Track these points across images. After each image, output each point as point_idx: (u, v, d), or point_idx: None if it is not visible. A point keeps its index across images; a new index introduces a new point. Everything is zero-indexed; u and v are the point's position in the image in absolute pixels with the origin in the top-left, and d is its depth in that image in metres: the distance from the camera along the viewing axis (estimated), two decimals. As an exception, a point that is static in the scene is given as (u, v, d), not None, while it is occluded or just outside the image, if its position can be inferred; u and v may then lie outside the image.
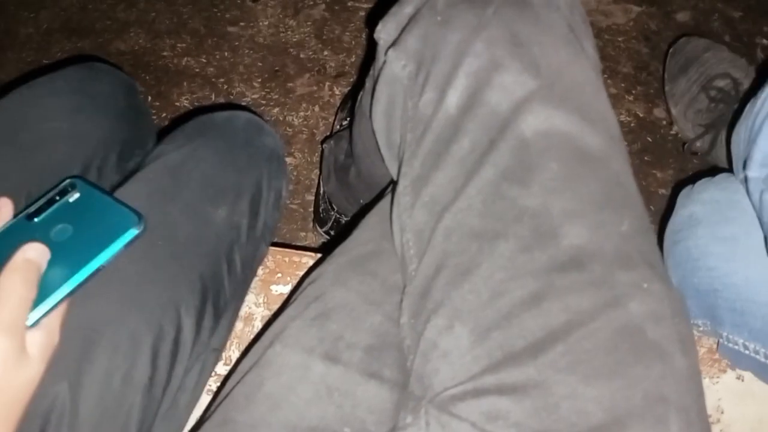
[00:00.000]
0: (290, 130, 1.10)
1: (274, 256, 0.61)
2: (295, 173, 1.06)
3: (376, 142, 0.48)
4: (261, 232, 0.53)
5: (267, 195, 0.53)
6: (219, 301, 0.48)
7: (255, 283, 0.60)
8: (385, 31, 0.45)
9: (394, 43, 0.44)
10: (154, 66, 1.16)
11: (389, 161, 0.47)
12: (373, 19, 0.48)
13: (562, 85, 0.39)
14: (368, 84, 0.51)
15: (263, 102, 1.13)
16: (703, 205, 0.50)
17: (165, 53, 1.16)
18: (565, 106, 0.38)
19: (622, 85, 1.06)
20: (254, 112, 0.61)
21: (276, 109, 1.12)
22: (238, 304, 0.53)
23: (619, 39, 1.11)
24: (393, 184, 0.45)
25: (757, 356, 0.48)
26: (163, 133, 0.57)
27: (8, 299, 0.33)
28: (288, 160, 1.08)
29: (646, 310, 0.34)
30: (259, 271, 0.60)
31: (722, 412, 0.54)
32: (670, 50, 1.03)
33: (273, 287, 0.60)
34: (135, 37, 1.18)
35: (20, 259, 0.34)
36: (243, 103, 1.11)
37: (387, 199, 0.48)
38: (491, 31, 0.39)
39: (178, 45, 1.17)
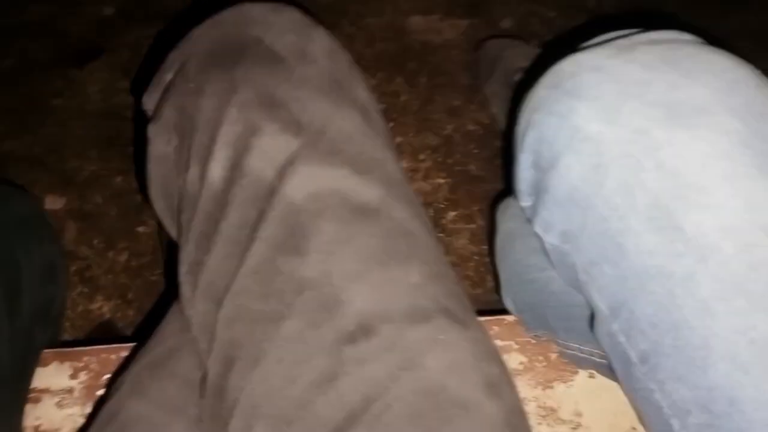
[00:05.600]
0: (138, 197, 1.03)
1: (98, 357, 0.55)
2: (150, 242, 1.00)
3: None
4: (31, 316, 0.47)
5: (29, 269, 0.47)
6: (14, 397, 0.42)
7: (79, 392, 0.53)
8: (150, 102, 0.42)
9: (153, 117, 0.40)
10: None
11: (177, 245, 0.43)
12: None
13: (327, 139, 0.36)
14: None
15: (105, 172, 1.05)
16: (516, 219, 0.50)
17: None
18: (332, 161, 0.36)
19: (464, 95, 1.09)
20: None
21: (119, 178, 1.04)
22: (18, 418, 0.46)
23: (453, 52, 1.14)
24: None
25: (593, 357, 0.49)
26: None
27: None
28: (140, 229, 1.01)
29: (445, 363, 0.32)
30: (83, 377, 0.54)
31: (581, 415, 0.54)
32: (477, 57, 1.07)
33: (100, 392, 0.54)
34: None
35: None
36: (79, 177, 1.03)
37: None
38: (244, 94, 0.37)
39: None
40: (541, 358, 0.56)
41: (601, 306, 0.35)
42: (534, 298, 0.50)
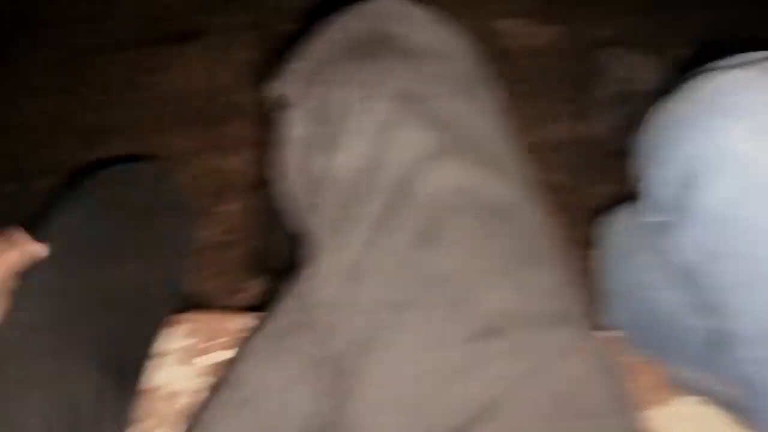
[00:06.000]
0: (227, 176, 1.07)
1: (208, 323, 0.57)
2: (234, 222, 1.03)
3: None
4: (172, 288, 0.50)
5: (175, 248, 0.51)
6: (139, 359, 0.46)
7: (186, 355, 0.56)
8: (281, 89, 0.44)
9: (291, 103, 0.42)
10: (77, 126, 1.11)
11: (307, 225, 0.44)
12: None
13: (465, 136, 0.37)
14: (277, 142, 0.49)
15: (199, 149, 1.09)
16: (626, 234, 0.49)
17: (88, 112, 1.12)
18: (471, 159, 0.36)
19: (554, 103, 1.07)
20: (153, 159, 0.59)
21: (211, 156, 1.08)
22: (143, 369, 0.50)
23: (546, 59, 1.13)
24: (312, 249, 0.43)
25: (705, 383, 0.47)
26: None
27: None
28: (225, 208, 1.04)
29: (575, 372, 0.33)
30: (183, 342, 0.57)
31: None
32: (586, 63, 1.06)
33: (200, 358, 0.56)
34: (58, 99, 1.13)
35: None
36: (178, 152, 1.08)
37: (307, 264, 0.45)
38: (387, 86, 0.38)
39: (101, 100, 1.13)
40: (640, 378, 0.55)
41: (745, 331, 0.34)
42: (644, 317, 0.49)
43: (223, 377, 0.42)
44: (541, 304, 0.34)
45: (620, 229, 0.53)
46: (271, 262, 0.93)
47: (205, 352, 0.56)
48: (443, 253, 0.34)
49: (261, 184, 1.00)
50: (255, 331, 0.44)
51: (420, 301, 0.34)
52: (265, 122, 1.15)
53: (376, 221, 0.36)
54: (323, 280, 0.38)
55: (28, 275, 0.43)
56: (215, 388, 0.42)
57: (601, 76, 0.97)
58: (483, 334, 0.33)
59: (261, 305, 0.59)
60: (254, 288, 0.98)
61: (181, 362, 0.56)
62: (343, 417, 0.35)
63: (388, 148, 0.36)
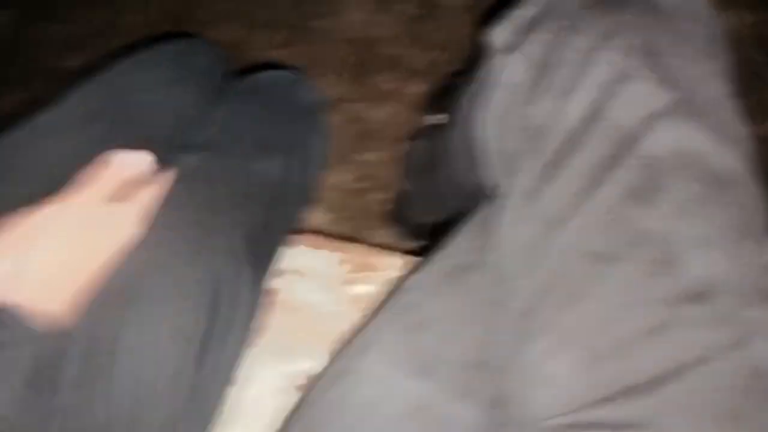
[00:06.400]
0: (373, 125, 1.09)
1: (359, 254, 0.60)
2: (376, 170, 1.06)
3: (479, 148, 0.46)
4: (308, 189, 0.54)
5: (314, 152, 0.54)
6: (270, 253, 0.49)
7: (337, 281, 0.59)
8: (502, 34, 0.43)
9: (513, 47, 0.41)
10: (245, 59, 1.18)
11: (497, 170, 0.44)
12: (481, 20, 0.46)
13: (697, 101, 0.35)
14: (474, 87, 0.49)
15: (348, 96, 1.13)
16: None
17: (258, 45, 1.19)
18: (698, 124, 0.35)
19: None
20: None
21: (360, 104, 1.11)
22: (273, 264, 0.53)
23: (732, 46, 1.04)
24: (498, 193, 0.43)
25: None
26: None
27: None
28: (369, 156, 1.07)
29: None
30: (343, 268, 0.60)
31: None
32: None
33: (357, 287, 0.59)
34: (230, 28, 1.21)
35: None
36: (329, 97, 1.12)
37: (487, 208, 0.46)
38: (624, 38, 0.37)
39: (272, 37, 1.19)
40: None
41: None
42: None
43: (395, 302, 0.43)
44: (750, 279, 0.33)
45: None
46: (404, 214, 0.95)
47: (362, 282, 0.59)
48: (657, 214, 0.34)
49: (404, 138, 1.02)
50: (425, 265, 0.45)
51: (625, 257, 0.33)
52: (416, 77, 1.16)
53: (589, 172, 0.35)
54: (512, 223, 0.39)
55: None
56: (385, 311, 0.44)
57: None
58: (687, 298, 0.32)
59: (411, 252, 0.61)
60: (382, 237, 1.01)
61: (330, 287, 0.59)
62: (517, 362, 0.36)
63: (618, 100, 0.35)
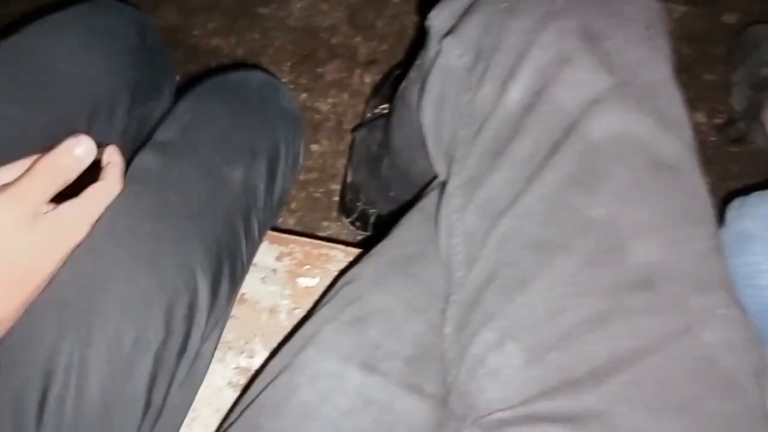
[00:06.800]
0: (317, 116, 1.07)
1: (303, 247, 0.58)
2: (320, 161, 1.04)
3: (421, 136, 0.45)
4: (278, 197, 0.51)
5: (285, 158, 0.51)
6: (236, 267, 0.46)
7: (281, 274, 0.57)
8: (439, 18, 0.42)
9: (450, 32, 0.40)
10: (184, 44, 1.13)
11: (436, 158, 0.44)
12: (422, 6, 0.45)
13: (637, 85, 0.35)
14: (414, 75, 0.48)
15: (292, 86, 1.10)
16: (756, 220, 0.47)
17: (195, 32, 1.14)
18: (639, 109, 0.35)
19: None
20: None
21: (304, 95, 1.09)
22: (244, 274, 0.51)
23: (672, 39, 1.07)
24: (441, 183, 0.42)
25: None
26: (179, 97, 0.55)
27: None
28: (314, 147, 1.05)
29: (721, 339, 0.31)
30: (286, 262, 0.58)
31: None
32: (736, 39, 1.01)
33: (300, 280, 0.57)
34: (166, 14, 1.16)
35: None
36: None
37: (431, 198, 0.45)
38: (562, 21, 0.36)
39: (209, 24, 1.15)
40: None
41: None
42: (761, 305, 0.47)
43: (339, 295, 0.42)
44: (695, 265, 0.32)
45: (748, 213, 0.50)
46: (352, 205, 0.94)
47: (308, 274, 0.57)
48: (600, 201, 0.33)
49: (353, 127, 1.01)
50: (369, 257, 0.44)
51: (568, 245, 0.33)
52: (360, 66, 1.14)
53: (530, 159, 0.35)
54: (456, 212, 0.38)
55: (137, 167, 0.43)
56: (328, 304, 0.42)
57: (750, 55, 0.92)
58: (633, 286, 0.32)
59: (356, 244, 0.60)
60: (330, 229, 1.00)
61: (283, 281, 0.57)
62: (462, 355, 0.35)
63: (555, 85, 0.35)
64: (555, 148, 0.34)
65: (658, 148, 0.34)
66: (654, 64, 0.36)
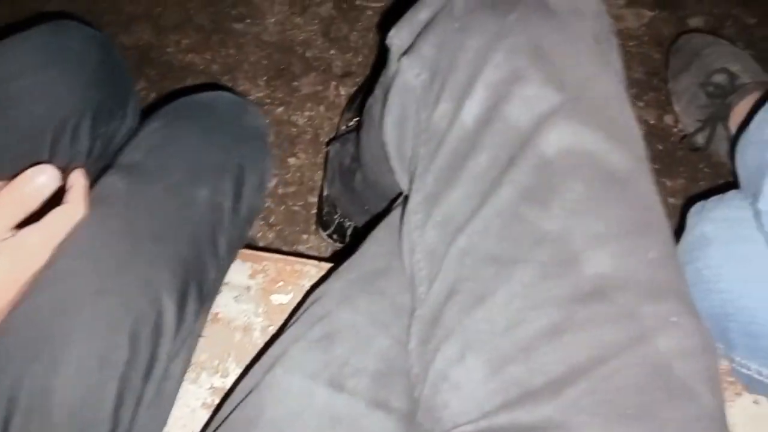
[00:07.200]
0: (294, 129, 1.07)
1: (276, 264, 0.59)
2: (298, 174, 1.04)
3: (386, 152, 0.46)
4: (245, 215, 0.51)
5: (251, 176, 0.52)
6: (203, 285, 0.46)
7: (254, 292, 0.58)
8: (398, 37, 0.43)
9: (407, 51, 0.41)
10: (159, 61, 1.13)
11: (399, 174, 0.44)
12: (384, 19, 0.45)
13: (588, 99, 0.36)
14: (378, 92, 0.49)
15: (268, 100, 1.10)
16: (714, 223, 0.48)
17: (170, 49, 1.14)
18: (590, 123, 0.35)
19: (633, 91, 1.04)
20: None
21: (280, 108, 1.09)
22: (214, 293, 0.52)
23: (631, 44, 1.09)
24: (403, 198, 0.43)
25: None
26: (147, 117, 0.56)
27: None
28: (291, 160, 1.06)
29: (675, 346, 0.32)
30: (259, 279, 0.58)
31: (738, 440, 0.52)
32: (672, 47, 1.02)
33: (273, 297, 0.58)
34: (140, 31, 1.16)
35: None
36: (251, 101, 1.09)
37: (396, 213, 0.45)
38: (513, 39, 0.37)
39: (183, 41, 1.15)
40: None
41: None
42: (719, 308, 0.48)
43: (306, 313, 0.42)
44: (647, 274, 0.33)
45: (709, 217, 0.51)
46: (328, 219, 0.94)
47: (281, 291, 0.58)
48: (553, 214, 0.34)
49: (327, 141, 1.01)
50: (337, 273, 0.45)
51: (524, 258, 0.34)
52: (336, 80, 1.15)
53: (486, 174, 0.35)
54: (417, 228, 0.38)
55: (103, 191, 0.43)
56: (296, 323, 0.42)
57: (693, 62, 0.93)
58: (587, 297, 0.32)
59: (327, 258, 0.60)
60: (308, 243, 1.00)
61: (256, 298, 0.57)
62: (427, 370, 0.35)
63: (508, 102, 0.36)
64: (510, 163, 0.35)
65: (609, 160, 0.35)
66: (604, 78, 0.37)
